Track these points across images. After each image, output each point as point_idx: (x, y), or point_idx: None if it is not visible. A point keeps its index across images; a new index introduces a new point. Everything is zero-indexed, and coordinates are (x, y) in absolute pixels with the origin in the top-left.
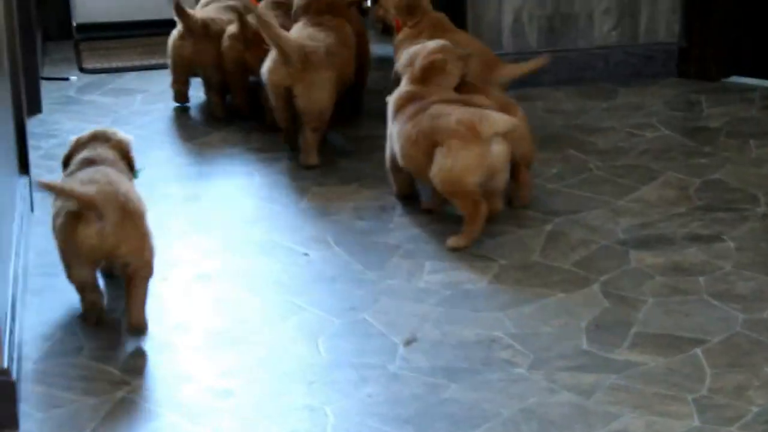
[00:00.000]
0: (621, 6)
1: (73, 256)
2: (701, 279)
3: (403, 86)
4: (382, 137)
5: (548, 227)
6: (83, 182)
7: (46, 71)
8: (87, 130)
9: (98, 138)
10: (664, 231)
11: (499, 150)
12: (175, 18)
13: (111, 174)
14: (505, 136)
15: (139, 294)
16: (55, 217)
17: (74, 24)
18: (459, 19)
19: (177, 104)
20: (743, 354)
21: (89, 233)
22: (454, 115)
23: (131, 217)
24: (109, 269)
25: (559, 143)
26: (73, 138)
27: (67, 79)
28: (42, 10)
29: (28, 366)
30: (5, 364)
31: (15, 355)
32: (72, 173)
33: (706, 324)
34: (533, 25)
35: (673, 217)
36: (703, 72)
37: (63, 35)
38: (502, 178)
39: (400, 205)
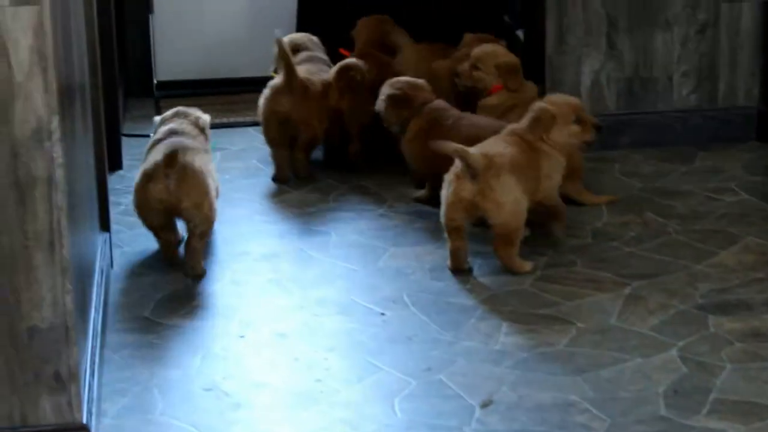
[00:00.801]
0: (700, 69)
1: (146, 208)
2: None
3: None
4: None
5: (626, 291)
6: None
7: (126, 128)
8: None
9: (179, 114)
10: (743, 296)
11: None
12: (281, 73)
13: (184, 141)
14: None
15: (198, 247)
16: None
17: (155, 81)
18: (538, 82)
19: (278, 182)
20: None
21: (159, 188)
22: None
23: (193, 177)
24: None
25: (637, 206)
26: (158, 118)
27: (147, 136)
28: (124, 68)
29: (105, 421)
30: (84, 420)
31: (93, 411)
32: (157, 142)
33: None
34: (612, 88)
35: (752, 283)
36: None
37: (144, 92)
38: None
39: (477, 267)
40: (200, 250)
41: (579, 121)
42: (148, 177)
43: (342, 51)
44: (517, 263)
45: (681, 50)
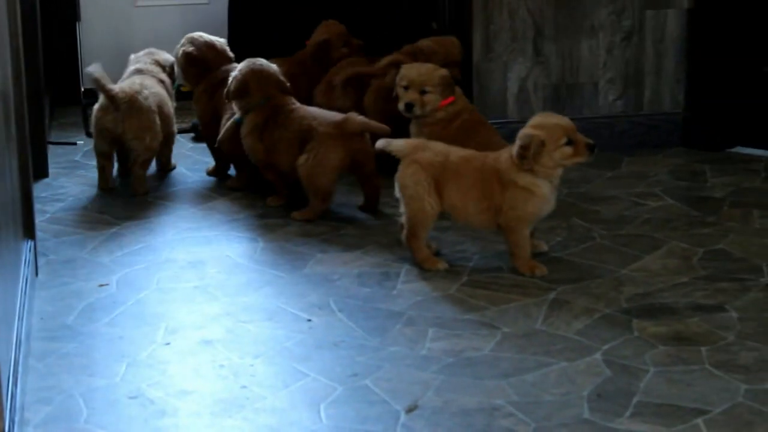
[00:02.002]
0: (626, 76)
1: (98, 135)
2: (703, 349)
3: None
4: (384, 204)
5: (551, 295)
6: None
7: (53, 136)
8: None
9: (149, 53)
10: (667, 300)
11: None
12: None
13: (144, 79)
14: None
15: (140, 173)
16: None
17: (82, 89)
18: (465, 89)
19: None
20: (745, 425)
21: (108, 119)
22: None
23: (139, 113)
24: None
25: (563, 212)
26: (133, 56)
27: (74, 143)
28: (51, 76)
29: (28, 430)
30: (6, 429)
31: (16, 419)
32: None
33: (708, 394)
34: (539, 94)
35: (676, 287)
36: (707, 142)
37: (71, 100)
38: None
39: (404, 272)
40: (143, 175)
41: (570, 142)
42: (103, 109)
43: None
44: (421, 257)
45: (607, 57)
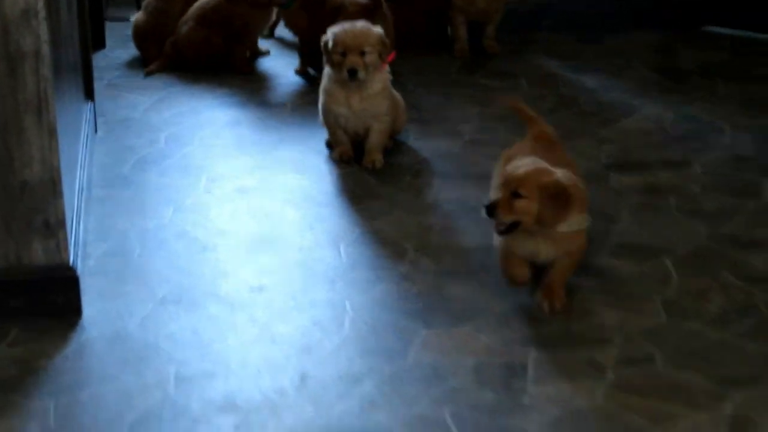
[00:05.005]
0: None
1: None
2: (672, 198)
3: None
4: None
5: None
6: None
7: (109, 12)
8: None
9: None
10: (641, 157)
11: None
12: None
13: None
14: None
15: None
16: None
17: None
18: None
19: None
20: (706, 263)
21: None
22: None
23: None
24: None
25: (552, 81)
26: None
27: (127, 19)
28: None
29: (90, 263)
30: (71, 261)
31: (79, 254)
32: None
33: (675, 237)
34: None
35: (649, 145)
36: (680, 21)
37: None
38: None
39: (412, 135)
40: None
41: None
42: None
43: None
44: None
45: None
